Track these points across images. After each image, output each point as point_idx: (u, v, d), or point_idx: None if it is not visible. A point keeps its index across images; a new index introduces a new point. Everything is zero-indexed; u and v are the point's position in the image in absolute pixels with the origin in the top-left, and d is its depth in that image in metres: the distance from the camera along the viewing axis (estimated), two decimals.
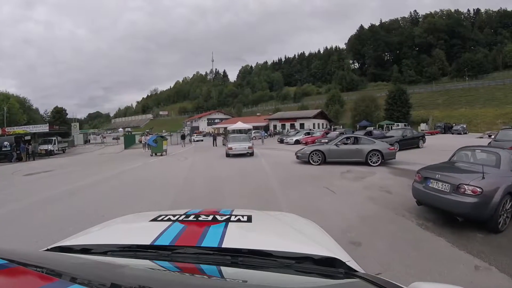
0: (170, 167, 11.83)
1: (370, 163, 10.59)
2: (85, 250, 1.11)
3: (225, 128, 58.01)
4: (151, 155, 17.34)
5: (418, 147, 17.17)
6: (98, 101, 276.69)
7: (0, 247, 0.91)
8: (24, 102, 52.14)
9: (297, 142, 23.49)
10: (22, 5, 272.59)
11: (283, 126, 48.67)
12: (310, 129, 38.14)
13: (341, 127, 45.02)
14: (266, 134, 37.21)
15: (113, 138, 46.83)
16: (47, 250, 1.15)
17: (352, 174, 8.84)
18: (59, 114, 62.64)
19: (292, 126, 46.83)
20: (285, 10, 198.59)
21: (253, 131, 40.26)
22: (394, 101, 46.48)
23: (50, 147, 26.67)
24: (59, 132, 51.78)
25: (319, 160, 11.30)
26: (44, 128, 31.26)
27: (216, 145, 25.54)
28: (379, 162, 10.52)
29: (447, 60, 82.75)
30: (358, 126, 42.50)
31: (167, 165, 12.63)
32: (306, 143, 21.51)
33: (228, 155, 14.72)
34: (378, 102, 50.70)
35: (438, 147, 17.40)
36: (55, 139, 28.82)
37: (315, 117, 47.68)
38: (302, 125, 45.82)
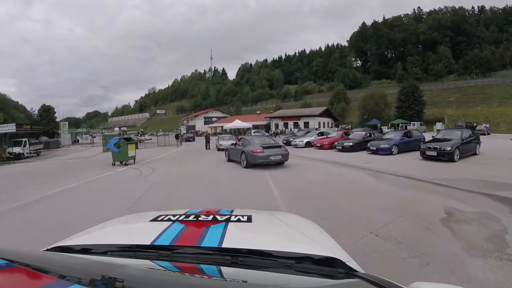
0: (105, 198, 6.65)
1: (243, 165, 10.42)
2: (85, 250, 1.09)
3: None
4: (113, 164, 12.53)
5: (475, 153, 12.43)
6: (97, 100, 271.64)
7: (0, 247, 0.90)
8: (3, 99, 47.03)
9: (309, 144, 18.62)
10: (20, 4, 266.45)
11: (286, 125, 43.96)
12: (316, 128, 33.42)
13: (349, 126, 40.35)
14: (268, 134, 32.35)
15: (90, 136, 42.09)
16: (47, 250, 1.11)
17: (464, 227, 4.12)
18: (46, 113, 57.67)
19: (296, 124, 42.14)
20: (285, 9, 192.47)
21: (253, 131, 35.50)
22: (406, 98, 41.75)
23: (18, 150, 22.16)
24: (44, 132, 46.99)
25: (226, 158, 12.66)
26: (11, 128, 26.32)
27: (209, 148, 20.82)
28: (245, 165, 10.27)
29: (453, 57, 78.39)
30: (379, 125, 37.19)
31: (106, 191, 7.50)
32: (321, 146, 16.76)
33: (219, 149, 17.96)
34: (387, 100, 45.96)
35: (497, 154, 12.79)
36: (25, 141, 24.14)
37: (320, 115, 42.92)
38: (306, 124, 41.17)
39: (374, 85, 76.76)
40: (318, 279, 0.89)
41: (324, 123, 43.33)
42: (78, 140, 49.60)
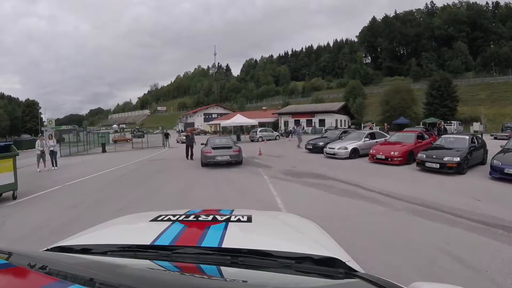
0: None
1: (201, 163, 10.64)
2: (85, 250, 1.06)
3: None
4: None
5: None
6: (101, 98, 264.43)
7: (0, 247, 0.89)
8: None
9: (355, 152, 11.42)
10: (25, 0, 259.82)
11: (297, 123, 36.89)
12: (341, 128, 26.24)
13: (373, 124, 33.14)
14: (301, 129, 23.17)
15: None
16: (47, 250, 1.09)
17: None
18: (29, 109, 51.07)
19: (309, 122, 35.06)
20: (292, 6, 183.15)
21: (259, 129, 27.75)
22: (439, 93, 34.43)
23: None
24: (26, 129, 39.93)
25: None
26: None
27: (192, 157, 12.64)
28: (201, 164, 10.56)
29: (469, 53, 70.95)
30: (454, 125, 29.18)
31: None
32: (388, 160, 9.55)
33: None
34: (414, 95, 38.66)
35: None
36: None
37: (338, 111, 35.70)
38: (322, 121, 34.15)
39: (386, 82, 69.57)
40: (318, 279, 0.87)
41: (341, 120, 36.21)
42: (64, 139, 43.23)
